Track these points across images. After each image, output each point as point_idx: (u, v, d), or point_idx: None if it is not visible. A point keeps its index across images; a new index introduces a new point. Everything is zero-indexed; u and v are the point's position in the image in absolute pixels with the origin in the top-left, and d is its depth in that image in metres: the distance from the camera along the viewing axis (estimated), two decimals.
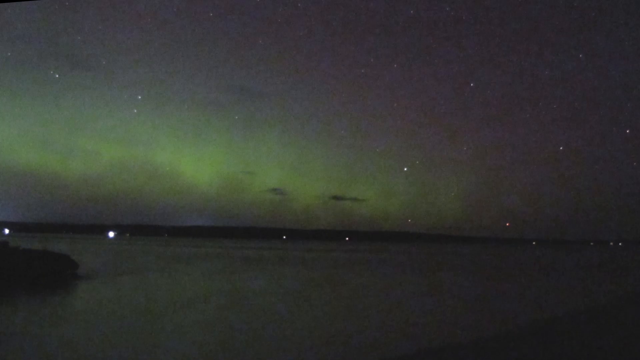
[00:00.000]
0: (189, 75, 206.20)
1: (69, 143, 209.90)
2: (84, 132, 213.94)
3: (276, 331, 18.52)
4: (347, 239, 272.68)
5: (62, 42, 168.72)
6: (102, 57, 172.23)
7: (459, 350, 15.20)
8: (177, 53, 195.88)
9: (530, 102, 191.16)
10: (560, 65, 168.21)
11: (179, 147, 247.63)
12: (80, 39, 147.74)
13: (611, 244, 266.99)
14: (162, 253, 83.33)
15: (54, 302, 26.01)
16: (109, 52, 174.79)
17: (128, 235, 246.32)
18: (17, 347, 15.17)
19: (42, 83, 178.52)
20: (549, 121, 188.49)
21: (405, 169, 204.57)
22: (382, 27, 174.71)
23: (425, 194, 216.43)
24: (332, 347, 16.07)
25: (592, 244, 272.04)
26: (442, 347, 15.63)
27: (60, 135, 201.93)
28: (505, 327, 19.61)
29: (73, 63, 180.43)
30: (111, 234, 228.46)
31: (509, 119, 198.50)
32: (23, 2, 5.61)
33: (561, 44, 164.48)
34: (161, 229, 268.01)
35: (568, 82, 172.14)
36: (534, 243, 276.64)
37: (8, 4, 4.80)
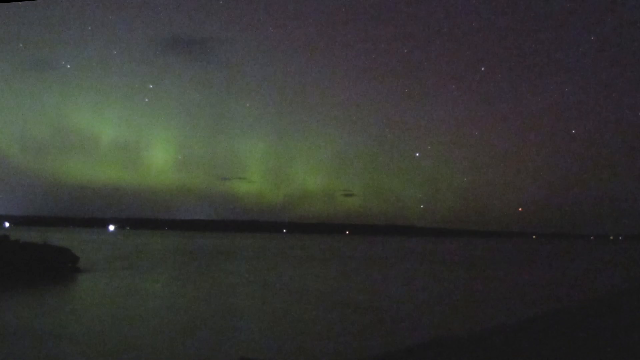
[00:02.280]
0: (200, 66, 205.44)
1: (74, 135, 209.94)
2: (92, 123, 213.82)
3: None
4: (347, 232, 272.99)
5: (72, 32, 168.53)
6: (113, 47, 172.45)
7: (456, 343, 15.30)
8: (188, 43, 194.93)
9: (542, 86, 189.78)
10: (572, 48, 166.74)
11: (189, 137, 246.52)
12: (90, 29, 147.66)
13: (611, 237, 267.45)
14: (162, 247, 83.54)
15: (54, 295, 26.13)
16: (119, 42, 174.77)
17: (128, 228, 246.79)
18: (17, 341, 15.26)
19: (52, 73, 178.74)
20: (561, 105, 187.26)
21: (417, 154, 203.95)
22: (392, 12, 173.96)
23: (437, 180, 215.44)
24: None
25: (592, 237, 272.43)
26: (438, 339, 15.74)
27: (65, 127, 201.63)
28: (502, 320, 19.72)
29: (83, 53, 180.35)
30: (111, 227, 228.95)
31: (521, 103, 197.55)
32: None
33: (573, 26, 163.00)
34: (161, 222, 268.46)
35: (580, 65, 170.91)
36: (534, 237, 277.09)
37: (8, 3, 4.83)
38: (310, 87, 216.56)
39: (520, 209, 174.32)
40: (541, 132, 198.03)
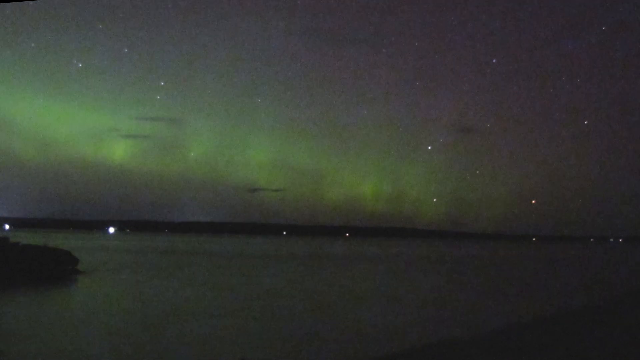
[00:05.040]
0: (212, 62, 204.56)
1: (85, 135, 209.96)
2: (100, 122, 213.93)
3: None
4: (347, 234, 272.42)
5: (84, 31, 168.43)
6: (124, 44, 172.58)
7: (458, 345, 15.26)
8: (200, 39, 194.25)
9: (553, 77, 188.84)
10: (584, 38, 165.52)
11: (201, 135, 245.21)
12: (101, 27, 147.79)
13: (611, 240, 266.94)
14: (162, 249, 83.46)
15: (54, 297, 26.09)
16: (130, 40, 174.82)
17: (128, 231, 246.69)
18: (17, 342, 15.22)
19: (64, 72, 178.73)
20: (573, 96, 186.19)
21: (429, 147, 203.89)
22: (403, 5, 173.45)
23: (448, 175, 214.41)
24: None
25: (592, 240, 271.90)
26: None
27: (75, 127, 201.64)
28: (506, 322, 19.68)
29: (95, 51, 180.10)
30: (111, 230, 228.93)
31: (532, 95, 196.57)
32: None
33: (584, 16, 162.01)
34: (162, 225, 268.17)
35: (592, 55, 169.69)
36: (534, 239, 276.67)
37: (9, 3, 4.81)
38: (317, 82, 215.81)
39: (533, 202, 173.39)
40: (552, 125, 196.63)
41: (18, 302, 23.78)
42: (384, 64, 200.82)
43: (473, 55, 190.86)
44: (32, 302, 23.85)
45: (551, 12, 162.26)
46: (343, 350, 15.22)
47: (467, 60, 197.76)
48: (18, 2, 5.65)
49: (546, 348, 14.23)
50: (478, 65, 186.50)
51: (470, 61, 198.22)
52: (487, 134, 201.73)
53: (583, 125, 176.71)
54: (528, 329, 17.83)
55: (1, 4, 4.81)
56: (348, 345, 15.75)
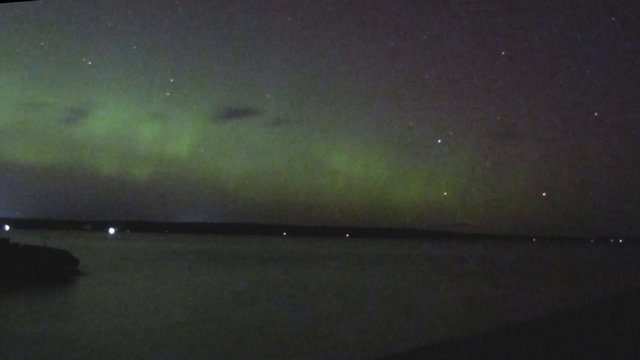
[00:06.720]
0: (220, 59, 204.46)
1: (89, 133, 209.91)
2: (104, 120, 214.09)
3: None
4: (347, 235, 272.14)
5: (93, 29, 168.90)
6: (134, 42, 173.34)
7: (453, 347, 15.27)
8: (208, 36, 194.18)
9: (562, 68, 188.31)
10: (593, 29, 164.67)
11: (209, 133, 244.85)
12: (110, 25, 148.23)
13: (611, 240, 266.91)
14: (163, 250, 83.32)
15: (54, 298, 26.08)
16: (140, 37, 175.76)
17: (128, 231, 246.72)
18: (17, 344, 15.23)
19: (74, 71, 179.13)
20: (582, 87, 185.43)
21: (439, 141, 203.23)
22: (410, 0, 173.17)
23: (457, 169, 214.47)
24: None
25: (592, 240, 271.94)
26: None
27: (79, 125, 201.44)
28: (500, 324, 19.70)
29: (104, 49, 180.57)
30: (112, 231, 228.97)
31: (541, 87, 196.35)
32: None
33: (593, 7, 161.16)
34: (162, 226, 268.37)
35: (601, 46, 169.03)
36: (534, 240, 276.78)
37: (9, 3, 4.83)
38: (327, 76, 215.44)
39: (544, 194, 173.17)
40: (562, 115, 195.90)
41: (18, 304, 23.77)
42: (392, 58, 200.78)
43: (481, 48, 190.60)
44: (33, 303, 23.84)
45: (560, 3, 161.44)
46: (351, 348, 15.21)
47: (475, 53, 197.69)
48: (25, 2, 5.66)
49: (545, 349, 14.24)
50: (486, 59, 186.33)
51: (478, 54, 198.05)
52: (492, 130, 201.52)
53: (593, 117, 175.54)
54: (527, 329, 17.84)
55: (10, 2, 4.82)
56: (356, 343, 15.75)
